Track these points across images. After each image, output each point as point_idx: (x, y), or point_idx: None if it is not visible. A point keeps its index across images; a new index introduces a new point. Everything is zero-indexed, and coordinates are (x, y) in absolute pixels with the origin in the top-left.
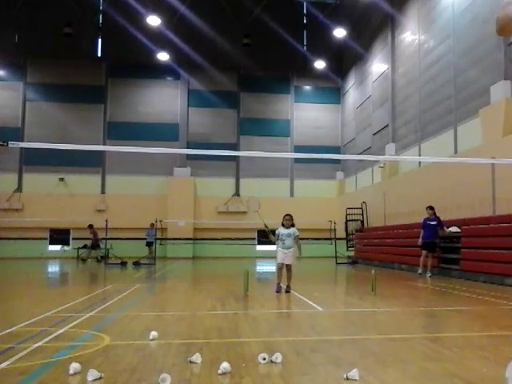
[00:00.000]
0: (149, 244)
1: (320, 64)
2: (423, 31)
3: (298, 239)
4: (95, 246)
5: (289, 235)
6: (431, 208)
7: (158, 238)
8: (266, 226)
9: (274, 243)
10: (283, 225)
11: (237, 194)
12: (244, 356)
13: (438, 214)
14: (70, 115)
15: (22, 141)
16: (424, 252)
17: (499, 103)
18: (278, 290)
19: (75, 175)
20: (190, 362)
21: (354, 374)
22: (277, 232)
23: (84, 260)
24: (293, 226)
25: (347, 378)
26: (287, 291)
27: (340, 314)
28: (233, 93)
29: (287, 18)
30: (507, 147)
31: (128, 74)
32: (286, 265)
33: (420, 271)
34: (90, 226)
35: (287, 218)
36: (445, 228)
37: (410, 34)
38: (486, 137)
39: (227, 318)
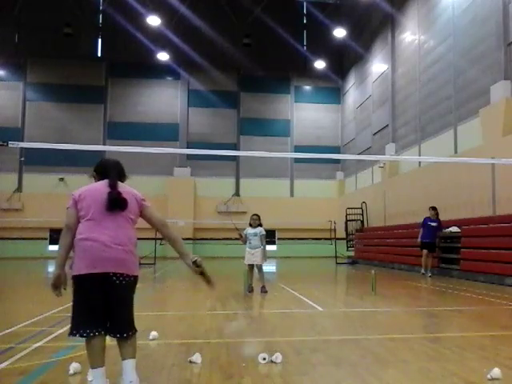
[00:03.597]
0: None
1: (320, 64)
2: (423, 31)
3: (263, 239)
4: None
5: (255, 234)
6: (434, 209)
7: (158, 238)
8: (236, 229)
9: (244, 244)
10: (250, 225)
11: (237, 194)
12: (244, 356)
13: (438, 213)
14: (70, 115)
15: (22, 141)
16: (425, 251)
17: (499, 103)
18: (250, 291)
19: (75, 175)
20: (190, 362)
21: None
22: (244, 232)
23: None
24: (260, 225)
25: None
26: (264, 291)
27: (340, 314)
28: (233, 93)
29: (287, 18)
30: (507, 147)
31: (128, 74)
32: (256, 265)
33: (423, 271)
34: None
35: (254, 217)
36: (443, 230)
37: (409, 34)
38: (486, 137)
39: (227, 318)
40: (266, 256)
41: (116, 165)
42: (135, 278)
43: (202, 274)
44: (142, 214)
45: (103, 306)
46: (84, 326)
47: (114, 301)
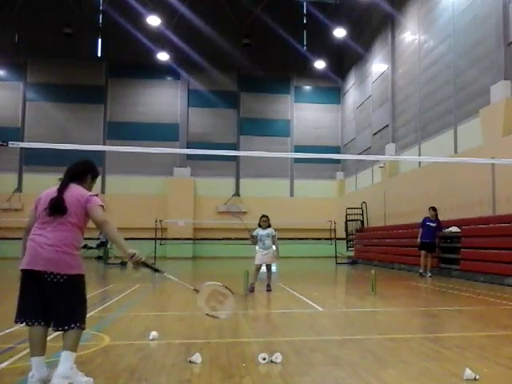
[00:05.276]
0: (103, 244)
1: (320, 64)
2: (423, 31)
3: (276, 239)
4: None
5: (267, 235)
6: (434, 209)
7: (158, 238)
8: (248, 230)
9: (255, 244)
10: (260, 226)
11: (237, 194)
12: (244, 356)
13: (438, 214)
14: (70, 115)
15: (22, 141)
16: (423, 252)
17: (499, 103)
18: (252, 290)
19: None
20: (190, 362)
21: None
22: (255, 233)
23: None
24: (269, 226)
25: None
26: (268, 290)
27: (340, 314)
28: (233, 93)
29: (287, 18)
30: (507, 147)
31: (128, 74)
32: (267, 265)
33: (421, 271)
34: None
35: (264, 219)
36: (443, 230)
37: (409, 34)
38: (486, 137)
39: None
40: (278, 255)
41: (73, 166)
42: (70, 276)
43: (144, 264)
44: (88, 214)
45: (41, 300)
46: (24, 316)
47: (49, 297)
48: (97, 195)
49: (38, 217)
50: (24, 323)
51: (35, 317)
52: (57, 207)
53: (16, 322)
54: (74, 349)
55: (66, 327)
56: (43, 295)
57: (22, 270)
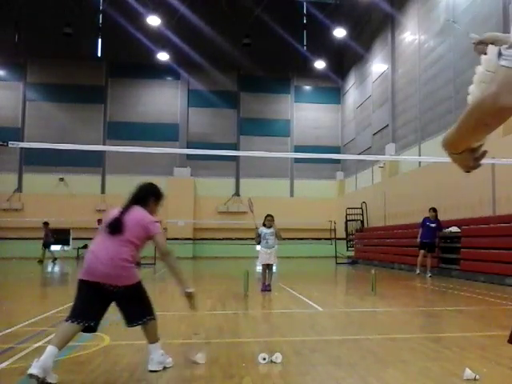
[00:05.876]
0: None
1: (320, 64)
2: (423, 31)
3: (278, 232)
4: (48, 245)
5: (271, 234)
6: (434, 210)
7: None
8: (256, 228)
9: (259, 243)
10: (264, 225)
11: (237, 194)
12: (244, 356)
13: (437, 214)
14: (70, 115)
15: (22, 141)
16: (421, 252)
17: None
18: (265, 289)
19: (75, 175)
20: (194, 362)
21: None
22: (259, 231)
23: (41, 261)
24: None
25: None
26: (268, 290)
27: (340, 314)
28: (233, 93)
29: (287, 18)
30: (507, 147)
31: (128, 74)
32: (269, 264)
33: (418, 271)
34: (46, 224)
35: (269, 218)
36: (443, 230)
37: (409, 34)
38: (486, 137)
39: (227, 318)
40: (280, 236)
41: (137, 190)
42: (127, 286)
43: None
44: (150, 238)
45: (96, 306)
46: (75, 317)
47: (115, 301)
48: (158, 221)
49: (100, 231)
50: (75, 323)
51: (83, 319)
52: (114, 227)
53: (66, 321)
54: (155, 340)
55: (135, 323)
56: (101, 300)
57: (81, 280)
